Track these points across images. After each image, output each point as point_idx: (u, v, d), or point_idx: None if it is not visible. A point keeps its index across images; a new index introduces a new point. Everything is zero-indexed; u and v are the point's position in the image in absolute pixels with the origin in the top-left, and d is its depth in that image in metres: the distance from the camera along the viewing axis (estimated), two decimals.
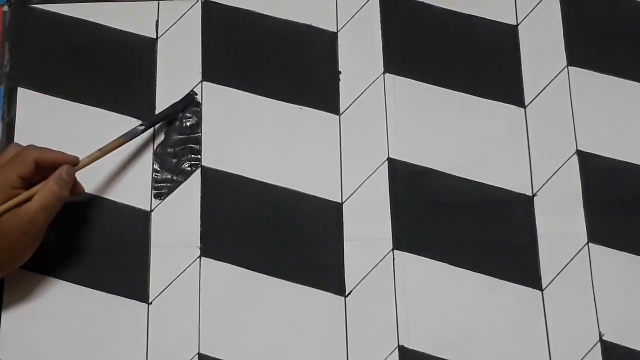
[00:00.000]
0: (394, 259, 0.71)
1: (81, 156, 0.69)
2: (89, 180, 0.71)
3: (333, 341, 0.69)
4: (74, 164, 0.68)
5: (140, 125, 0.71)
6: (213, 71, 0.76)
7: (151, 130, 0.74)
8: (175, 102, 0.74)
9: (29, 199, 0.65)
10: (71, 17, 0.77)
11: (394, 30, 0.76)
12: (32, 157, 0.66)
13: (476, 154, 0.73)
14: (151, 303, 0.70)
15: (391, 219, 0.71)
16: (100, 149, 0.69)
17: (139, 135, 0.71)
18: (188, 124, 0.75)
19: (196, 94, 0.75)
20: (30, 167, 0.66)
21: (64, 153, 0.68)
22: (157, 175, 0.73)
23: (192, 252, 0.71)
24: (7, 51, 0.76)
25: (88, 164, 0.69)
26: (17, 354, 0.69)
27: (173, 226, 0.72)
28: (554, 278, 0.70)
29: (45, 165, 0.66)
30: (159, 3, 0.78)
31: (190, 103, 0.75)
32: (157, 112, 0.74)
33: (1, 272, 0.68)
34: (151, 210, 0.72)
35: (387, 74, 0.75)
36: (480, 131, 0.74)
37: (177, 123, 0.74)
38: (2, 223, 0.64)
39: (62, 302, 0.70)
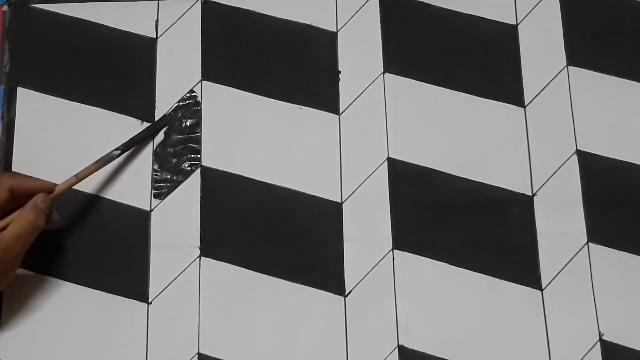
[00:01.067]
0: (394, 259, 0.71)
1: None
2: (90, 180, 0.71)
3: (333, 341, 0.69)
4: (50, 191, 0.67)
5: (117, 149, 0.71)
6: (213, 71, 0.76)
7: None
8: (151, 125, 0.74)
9: (4, 228, 0.64)
10: (71, 17, 0.77)
11: (394, 30, 0.76)
12: (6, 186, 0.65)
13: (476, 154, 0.73)
14: (151, 303, 0.70)
15: (391, 219, 0.71)
16: (76, 175, 0.69)
17: (114, 159, 0.71)
18: (188, 124, 0.75)
19: (195, 93, 0.75)
20: (5, 195, 0.65)
21: (40, 180, 0.68)
22: (157, 175, 0.73)
23: (192, 252, 0.71)
24: (7, 51, 0.76)
25: (64, 190, 0.68)
26: (17, 354, 0.69)
27: (173, 226, 0.72)
28: (554, 278, 0.70)
29: (21, 194, 0.66)
30: (159, 3, 0.78)
31: (165, 125, 0.74)
32: (157, 112, 0.74)
33: None
34: (151, 210, 0.72)
35: (387, 74, 0.75)
36: (480, 131, 0.74)
37: (177, 123, 0.74)
38: None
39: (62, 302, 0.70)
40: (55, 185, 0.68)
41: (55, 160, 0.73)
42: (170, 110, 0.74)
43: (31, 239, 0.65)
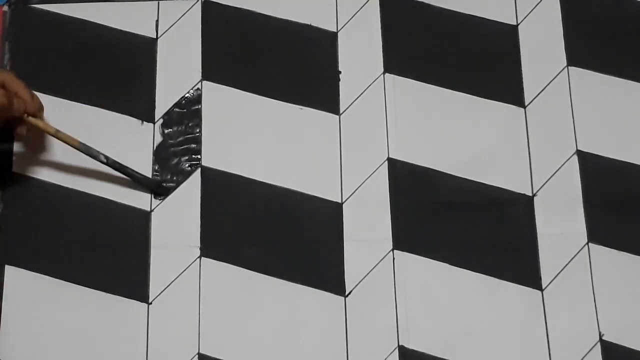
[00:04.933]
0: (394, 259, 0.71)
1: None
2: (90, 180, 0.72)
3: (333, 341, 0.69)
4: (31, 111, 0.69)
5: (105, 156, 0.70)
6: (213, 71, 0.76)
7: (151, 130, 0.74)
8: (148, 179, 0.72)
9: None
10: (71, 17, 0.77)
11: (394, 30, 0.76)
12: (2, 77, 0.68)
13: (476, 154, 0.73)
14: (151, 303, 0.70)
15: (391, 219, 0.71)
16: (57, 130, 0.70)
17: (96, 160, 0.70)
18: (189, 124, 0.75)
19: (200, 90, 0.75)
20: None
21: (33, 96, 0.70)
22: (157, 175, 0.73)
23: (192, 252, 0.71)
24: (7, 51, 0.76)
25: (37, 123, 0.70)
26: (17, 354, 0.69)
27: (173, 226, 0.72)
28: (554, 278, 0.70)
29: (9, 90, 0.68)
30: (159, 3, 0.78)
31: (159, 192, 0.73)
32: (157, 110, 0.74)
33: None
34: (151, 210, 0.72)
35: (387, 74, 0.75)
36: (480, 131, 0.74)
37: (176, 127, 0.75)
38: None
39: (62, 302, 0.70)
40: (38, 113, 0.71)
41: (55, 161, 0.73)
42: (172, 187, 0.73)
43: None
